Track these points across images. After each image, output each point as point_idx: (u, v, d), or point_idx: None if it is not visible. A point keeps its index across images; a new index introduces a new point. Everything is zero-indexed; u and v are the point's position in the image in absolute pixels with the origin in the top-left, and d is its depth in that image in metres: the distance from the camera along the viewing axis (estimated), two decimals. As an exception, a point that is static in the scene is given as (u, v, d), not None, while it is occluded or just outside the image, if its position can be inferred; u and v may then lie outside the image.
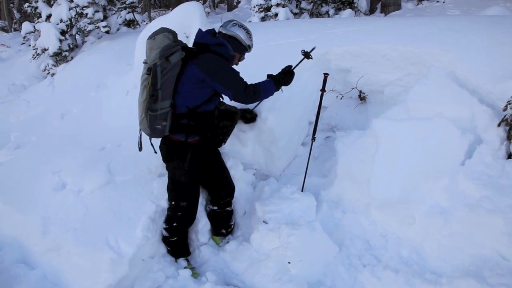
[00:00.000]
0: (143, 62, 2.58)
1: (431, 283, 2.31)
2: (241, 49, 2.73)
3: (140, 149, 2.72)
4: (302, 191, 3.20)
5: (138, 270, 2.76)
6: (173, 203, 2.82)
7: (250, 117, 3.38)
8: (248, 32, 2.72)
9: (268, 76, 2.78)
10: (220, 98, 2.76)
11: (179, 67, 2.46)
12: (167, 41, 2.45)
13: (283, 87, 2.84)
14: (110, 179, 3.17)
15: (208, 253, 3.01)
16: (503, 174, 2.40)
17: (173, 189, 2.81)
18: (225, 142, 3.09)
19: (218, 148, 3.07)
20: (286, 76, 2.80)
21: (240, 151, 3.55)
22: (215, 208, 3.05)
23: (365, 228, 2.87)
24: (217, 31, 2.75)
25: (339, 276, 2.60)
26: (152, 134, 2.59)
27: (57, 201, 3.10)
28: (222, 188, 3.03)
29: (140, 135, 2.69)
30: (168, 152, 2.72)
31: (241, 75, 2.62)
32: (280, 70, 2.84)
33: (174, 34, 2.52)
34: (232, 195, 3.10)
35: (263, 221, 2.91)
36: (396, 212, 2.72)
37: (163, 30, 2.50)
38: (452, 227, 2.42)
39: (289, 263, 2.59)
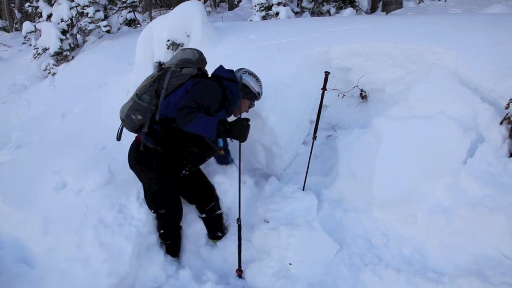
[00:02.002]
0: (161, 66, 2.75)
1: (433, 282, 2.30)
2: (251, 96, 2.88)
3: (119, 139, 2.78)
4: (303, 190, 3.19)
5: (139, 269, 2.76)
6: (152, 211, 2.87)
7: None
8: (258, 79, 2.85)
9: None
10: None
11: (185, 79, 2.59)
12: (191, 56, 2.67)
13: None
14: (110, 179, 3.17)
15: (209, 252, 3.01)
16: (506, 172, 2.38)
17: (148, 197, 2.84)
18: (186, 170, 2.77)
19: (180, 175, 2.80)
20: (235, 126, 2.35)
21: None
22: (204, 215, 3.01)
23: (367, 227, 2.85)
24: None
25: (341, 275, 2.59)
26: (125, 120, 2.62)
27: (58, 200, 3.10)
28: (201, 195, 2.97)
29: (122, 126, 2.76)
30: (136, 158, 2.72)
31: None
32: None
33: (201, 55, 2.75)
34: (215, 199, 3.02)
35: (264, 220, 2.90)
36: (397, 211, 2.71)
37: (193, 48, 2.77)
38: (454, 226, 2.41)
39: (290, 264, 2.58)
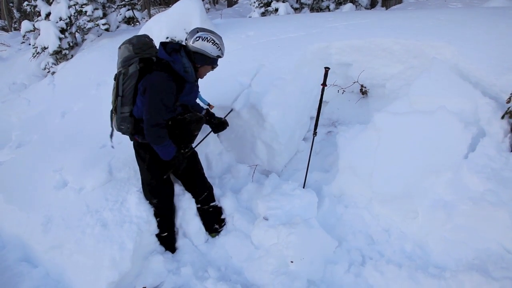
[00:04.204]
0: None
1: (435, 277, 2.29)
2: (209, 61, 2.67)
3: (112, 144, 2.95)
4: (303, 187, 3.18)
5: (141, 267, 2.76)
6: (147, 201, 2.97)
7: (217, 123, 3.12)
8: (214, 43, 2.60)
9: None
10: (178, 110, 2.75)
11: (135, 78, 2.61)
12: (127, 53, 2.66)
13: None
14: (111, 177, 3.17)
15: (209, 249, 3.00)
16: (507, 167, 2.37)
17: (143, 188, 2.98)
18: (184, 150, 2.81)
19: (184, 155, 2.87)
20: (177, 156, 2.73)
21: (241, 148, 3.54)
22: (199, 205, 3.07)
23: (368, 223, 2.85)
24: (184, 42, 2.70)
25: (342, 271, 2.59)
26: (121, 131, 2.75)
27: (59, 199, 3.10)
28: (195, 185, 3.05)
29: (112, 130, 2.88)
30: (135, 152, 2.89)
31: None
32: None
33: (135, 45, 2.66)
34: (207, 190, 3.07)
35: (264, 218, 2.90)
36: (399, 206, 2.70)
37: (127, 41, 2.70)
38: (455, 221, 2.40)
39: (291, 262, 2.58)
